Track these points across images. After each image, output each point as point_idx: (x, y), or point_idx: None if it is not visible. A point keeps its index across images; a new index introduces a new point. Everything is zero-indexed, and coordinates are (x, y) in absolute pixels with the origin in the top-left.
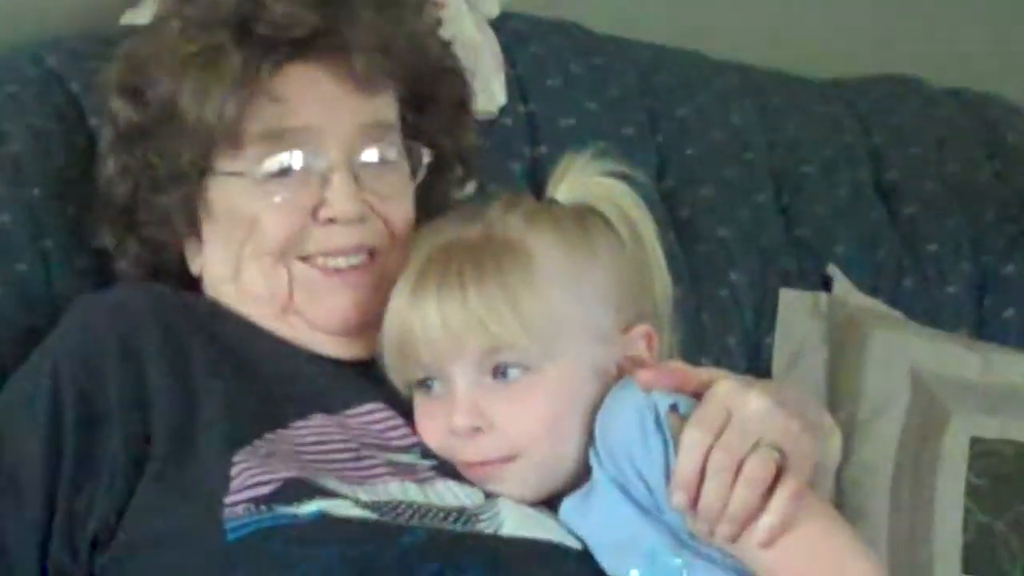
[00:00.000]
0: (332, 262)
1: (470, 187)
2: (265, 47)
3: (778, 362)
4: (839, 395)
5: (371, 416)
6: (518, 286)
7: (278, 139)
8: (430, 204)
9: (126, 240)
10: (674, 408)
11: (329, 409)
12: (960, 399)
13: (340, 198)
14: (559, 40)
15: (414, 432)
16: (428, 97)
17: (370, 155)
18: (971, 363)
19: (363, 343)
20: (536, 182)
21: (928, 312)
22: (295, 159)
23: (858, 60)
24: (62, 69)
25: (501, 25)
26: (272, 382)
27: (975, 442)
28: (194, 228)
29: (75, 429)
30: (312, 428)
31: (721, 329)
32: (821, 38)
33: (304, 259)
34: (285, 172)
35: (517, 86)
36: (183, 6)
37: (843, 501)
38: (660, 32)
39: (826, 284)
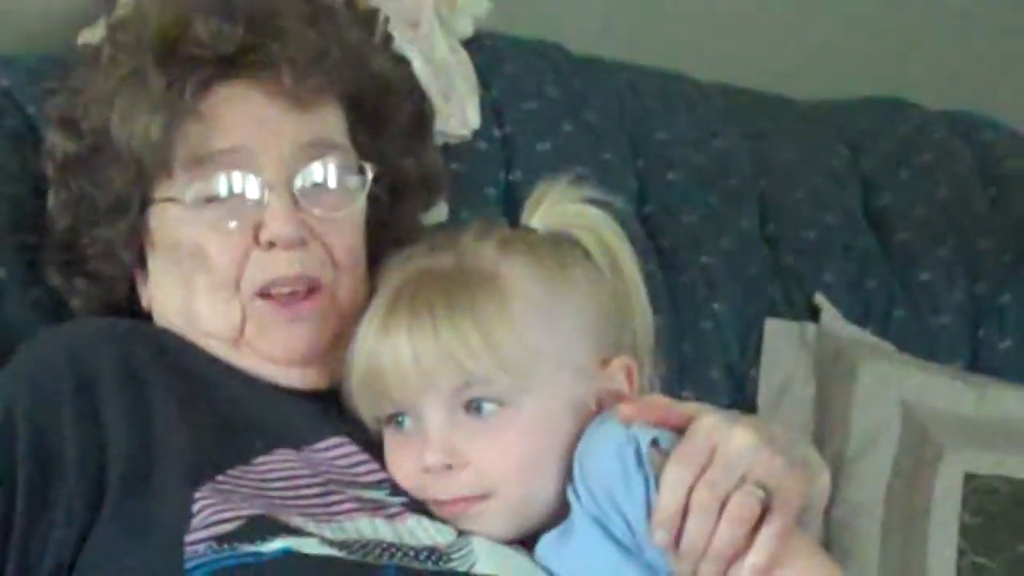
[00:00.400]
0: (277, 291)
1: (441, 212)
2: (190, 67)
3: (764, 395)
4: (827, 430)
5: (336, 451)
6: (492, 319)
7: (208, 162)
8: (396, 230)
9: (73, 277)
10: (656, 443)
11: (293, 443)
12: (953, 434)
13: (277, 219)
14: (535, 61)
15: (382, 468)
16: (380, 116)
17: (309, 176)
18: (965, 396)
19: (318, 373)
20: (511, 208)
21: (920, 343)
22: (226, 182)
23: (846, 81)
24: (17, 90)
25: (476, 46)
26: (233, 415)
27: (969, 479)
28: (139, 260)
29: (29, 466)
30: (276, 464)
31: (704, 361)
32: (807, 59)
33: (258, 295)
34: (220, 197)
35: (492, 109)
36: (115, 32)
37: (831, 540)
38: (641, 53)
39: (813, 314)
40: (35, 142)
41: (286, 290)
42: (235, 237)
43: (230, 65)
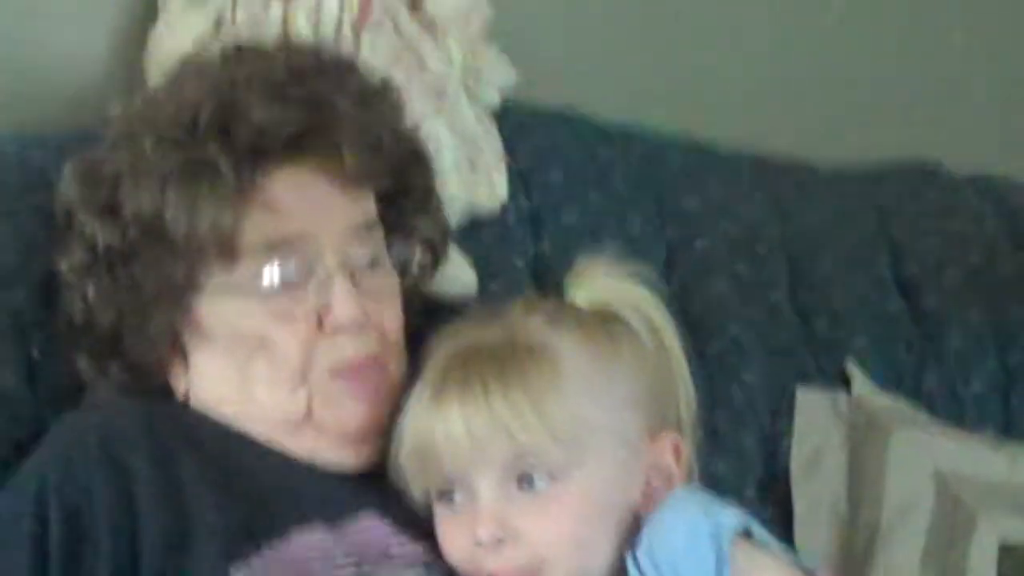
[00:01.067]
0: (354, 374)
1: (471, 284)
2: (252, 153)
3: (796, 465)
4: (861, 499)
5: (371, 529)
6: (543, 391)
7: (275, 248)
8: (419, 300)
9: (109, 367)
10: (748, 533)
11: (328, 519)
12: (987, 502)
13: (343, 303)
14: (561, 131)
15: (418, 547)
16: (401, 189)
17: (361, 257)
18: (998, 464)
19: (366, 452)
20: (540, 278)
21: (951, 411)
22: (295, 268)
23: (872, 147)
24: (48, 167)
25: (502, 116)
26: (267, 492)
27: (1005, 550)
28: (179, 349)
29: (62, 549)
30: (312, 541)
31: (736, 430)
32: (833, 125)
33: (331, 377)
34: (285, 284)
35: (519, 179)
36: (153, 116)
37: None
38: (666, 121)
39: (845, 382)
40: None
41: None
42: (302, 325)
43: (290, 150)
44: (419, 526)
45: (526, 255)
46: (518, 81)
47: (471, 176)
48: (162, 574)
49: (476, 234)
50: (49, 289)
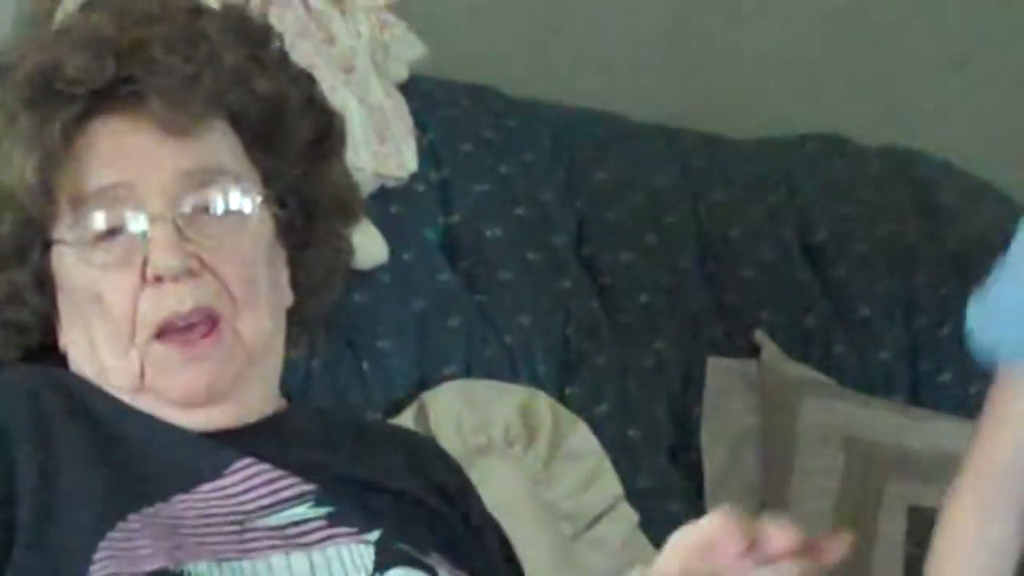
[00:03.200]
0: (173, 330)
1: (382, 254)
2: (60, 105)
3: (707, 432)
4: (770, 465)
5: (250, 472)
6: None
7: (89, 201)
8: (315, 259)
9: None
10: None
11: (207, 476)
12: (896, 466)
13: (160, 252)
14: (471, 104)
15: (307, 484)
16: (273, 137)
17: (194, 203)
18: (907, 430)
19: (224, 413)
20: (450, 249)
21: (861, 378)
22: (107, 219)
23: (781, 120)
24: None
25: (411, 89)
26: (147, 456)
27: (912, 511)
28: (51, 305)
29: None
30: (193, 501)
31: (648, 399)
32: (742, 98)
33: (155, 339)
34: (106, 235)
35: (429, 151)
36: (4, 77)
37: None
38: (576, 95)
39: (755, 351)
40: None
41: (181, 324)
42: (126, 277)
43: (103, 100)
44: (303, 467)
45: (436, 226)
46: (427, 56)
47: (380, 148)
48: (34, 544)
49: (386, 205)
50: None
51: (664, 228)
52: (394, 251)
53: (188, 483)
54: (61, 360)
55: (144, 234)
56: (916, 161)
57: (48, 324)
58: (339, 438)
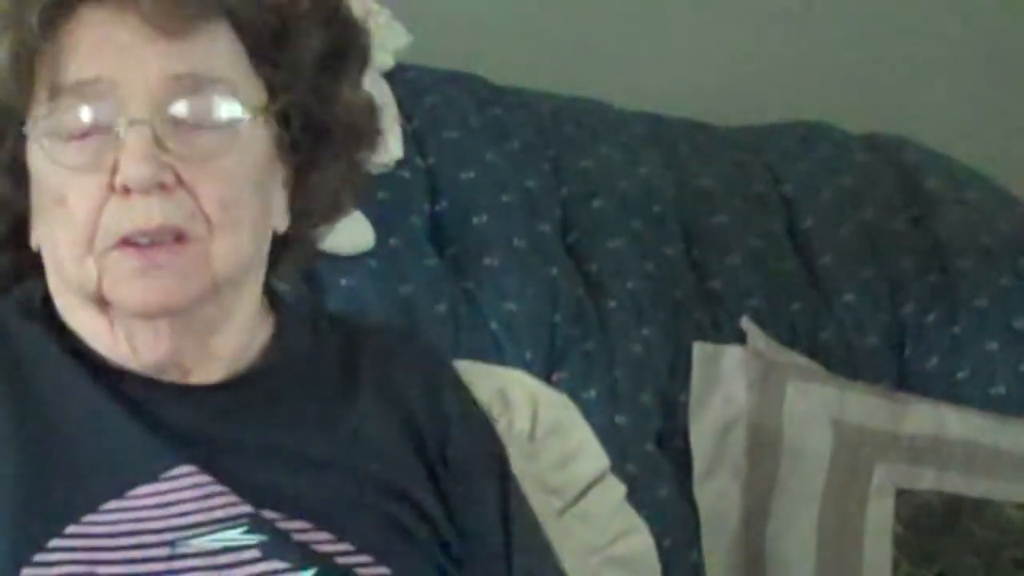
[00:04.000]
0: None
1: (368, 240)
2: None
3: (694, 419)
4: (758, 451)
5: (191, 480)
6: None
7: (65, 94)
8: (320, 185)
9: None
10: None
11: (144, 477)
12: (884, 451)
13: (131, 159)
14: (456, 92)
15: (245, 503)
16: (280, 47)
17: (180, 110)
18: (894, 414)
19: (167, 344)
20: (437, 236)
21: (847, 364)
22: (82, 115)
23: (766, 107)
24: None
25: (396, 77)
26: (80, 450)
27: (901, 494)
28: (26, 198)
29: None
30: (124, 512)
31: (635, 386)
32: (728, 86)
33: (114, 248)
34: (81, 134)
35: (415, 139)
36: None
37: (765, 558)
38: (561, 83)
39: (741, 338)
40: None
41: (144, 241)
42: (93, 182)
43: None
44: (244, 477)
45: (423, 213)
46: (412, 44)
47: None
48: None
49: (372, 192)
50: None
51: (650, 215)
52: (381, 237)
53: (123, 485)
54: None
55: (118, 136)
56: (901, 147)
57: (21, 217)
58: (325, 379)
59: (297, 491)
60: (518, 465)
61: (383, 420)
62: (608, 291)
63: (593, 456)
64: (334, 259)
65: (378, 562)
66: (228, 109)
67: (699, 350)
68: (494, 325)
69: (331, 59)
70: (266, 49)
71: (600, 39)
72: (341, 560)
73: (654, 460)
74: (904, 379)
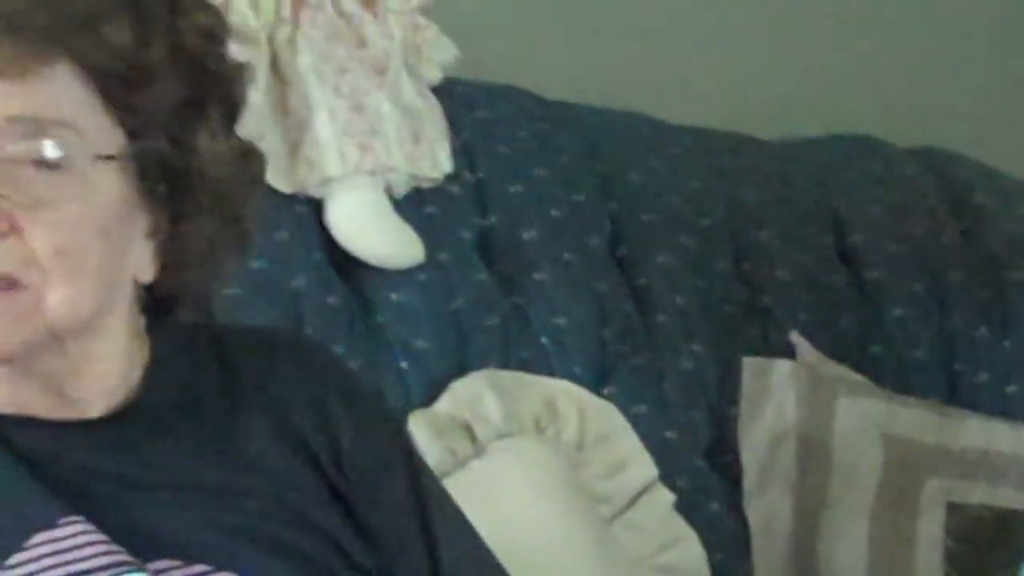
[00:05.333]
0: None
1: (418, 254)
2: None
3: (744, 433)
4: (809, 464)
5: (80, 527)
6: None
7: None
8: (184, 236)
9: None
10: None
11: (41, 523)
12: (934, 465)
13: None
14: (505, 106)
15: (119, 551)
16: (136, 94)
17: (17, 153)
18: (945, 429)
19: (48, 396)
20: (486, 250)
21: (896, 378)
22: None
23: (812, 121)
24: None
25: (445, 91)
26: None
27: (952, 508)
28: None
29: None
30: (26, 563)
31: (685, 401)
32: (773, 99)
33: None
34: None
35: (463, 153)
36: None
37: (817, 573)
38: (608, 97)
39: (790, 353)
40: None
41: None
42: None
43: None
44: (133, 522)
45: (472, 226)
46: (460, 58)
47: (414, 149)
48: None
49: (422, 206)
50: None
51: (698, 229)
52: (430, 252)
53: (24, 533)
54: None
55: None
56: (949, 162)
57: None
58: (208, 406)
59: (188, 532)
60: (568, 471)
61: (273, 443)
62: (657, 306)
63: (641, 465)
64: (384, 273)
65: None
66: (69, 153)
67: (749, 364)
68: (544, 340)
69: (190, 107)
70: (120, 93)
71: (648, 52)
72: None
73: (704, 475)
74: (954, 394)
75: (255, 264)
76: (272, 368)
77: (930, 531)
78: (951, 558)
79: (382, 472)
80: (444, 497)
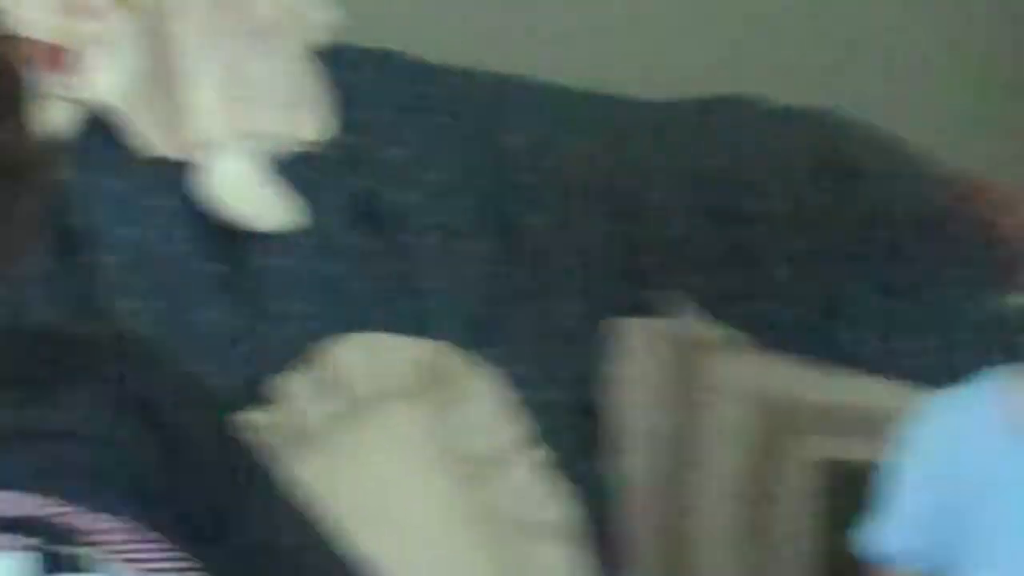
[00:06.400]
0: None
1: (296, 217)
2: None
3: (617, 393)
4: (684, 423)
5: None
6: None
7: None
8: None
9: None
10: None
11: None
12: (811, 422)
13: None
14: (384, 69)
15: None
16: None
17: None
18: (822, 386)
19: None
20: (364, 213)
21: (777, 338)
22: None
23: (694, 81)
24: None
25: (326, 56)
26: None
27: (828, 465)
28: None
29: None
30: None
31: (563, 361)
32: (655, 60)
33: None
34: None
35: (342, 117)
36: None
37: (687, 530)
38: (487, 59)
39: (670, 312)
40: None
41: None
42: None
43: None
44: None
45: (351, 190)
46: (341, 22)
47: (292, 113)
48: None
49: (299, 170)
50: None
51: (578, 190)
52: (309, 216)
53: None
54: None
55: None
56: (828, 120)
57: None
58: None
59: None
60: (430, 432)
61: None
62: (537, 266)
63: (515, 424)
64: (262, 238)
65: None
66: None
67: (623, 324)
68: (422, 302)
69: None
70: None
71: (526, 15)
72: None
73: (578, 433)
74: (833, 352)
75: (133, 230)
76: (96, 379)
77: (803, 488)
78: (823, 515)
79: (217, 481)
80: (286, 499)
